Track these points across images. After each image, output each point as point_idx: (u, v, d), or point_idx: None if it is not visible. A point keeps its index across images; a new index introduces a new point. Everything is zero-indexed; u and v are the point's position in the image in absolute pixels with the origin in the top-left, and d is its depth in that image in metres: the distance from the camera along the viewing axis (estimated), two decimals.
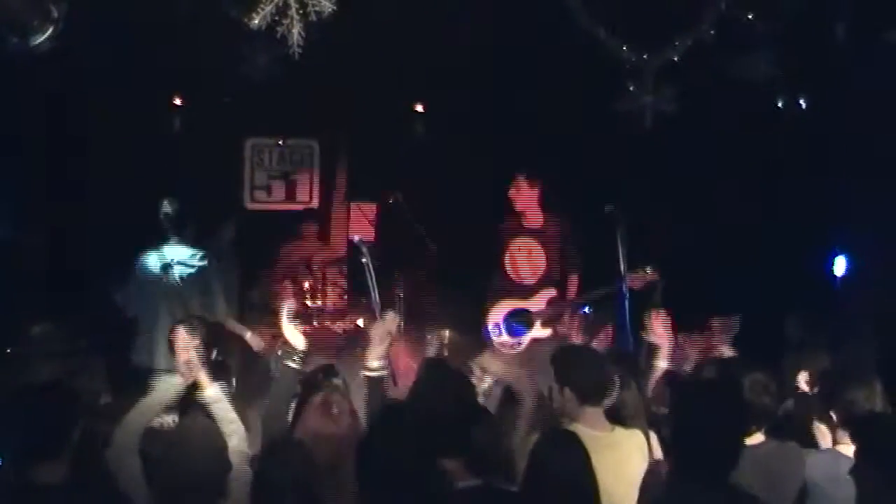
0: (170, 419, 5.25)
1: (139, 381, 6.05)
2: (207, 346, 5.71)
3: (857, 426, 4.58)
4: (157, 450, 4.57)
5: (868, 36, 7.10)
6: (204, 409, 5.25)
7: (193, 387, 5.35)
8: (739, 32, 7.18)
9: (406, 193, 9.01)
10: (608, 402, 5.03)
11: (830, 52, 7.19)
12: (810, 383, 6.15)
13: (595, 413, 4.93)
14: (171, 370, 5.53)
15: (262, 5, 5.75)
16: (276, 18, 5.98)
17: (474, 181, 8.93)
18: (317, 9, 5.70)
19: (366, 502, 3.85)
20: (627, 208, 8.28)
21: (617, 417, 5.11)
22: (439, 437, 4.01)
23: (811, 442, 5.45)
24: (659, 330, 5.71)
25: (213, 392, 5.21)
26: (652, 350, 5.92)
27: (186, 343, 5.51)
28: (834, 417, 5.18)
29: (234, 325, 7.77)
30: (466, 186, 8.99)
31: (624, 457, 4.69)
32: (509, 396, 6.33)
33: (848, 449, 5.02)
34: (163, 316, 7.48)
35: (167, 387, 5.29)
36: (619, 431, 4.94)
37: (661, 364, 5.74)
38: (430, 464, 3.87)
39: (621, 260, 8.06)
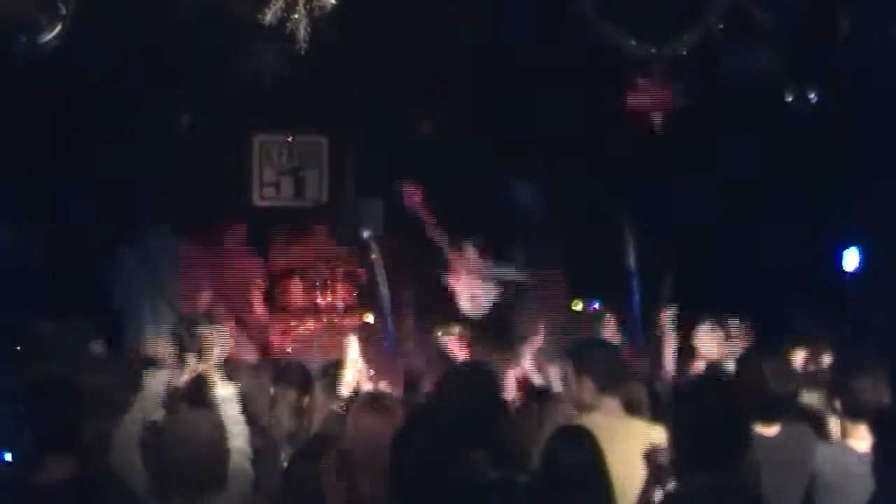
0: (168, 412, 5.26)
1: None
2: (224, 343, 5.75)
3: (872, 422, 4.56)
4: (155, 439, 4.58)
5: (877, 28, 7.07)
6: (210, 405, 5.26)
7: (199, 381, 5.36)
8: (748, 26, 7.17)
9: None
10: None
11: (840, 46, 7.17)
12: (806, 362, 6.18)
13: (612, 403, 4.99)
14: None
15: (272, 1, 5.77)
16: (285, 14, 5.98)
17: (480, 178, 8.93)
18: (320, 4, 5.70)
19: (399, 495, 3.87)
20: (636, 204, 8.29)
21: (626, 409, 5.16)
22: (465, 430, 4.02)
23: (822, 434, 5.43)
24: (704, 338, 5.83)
25: (225, 391, 5.21)
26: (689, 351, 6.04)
27: (217, 340, 5.54)
28: (840, 407, 5.16)
29: None
30: (472, 183, 8.99)
31: (640, 447, 4.67)
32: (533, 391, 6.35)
33: (857, 443, 5.01)
34: (145, 307, 7.59)
35: (159, 383, 5.30)
36: (636, 422, 4.98)
37: (700, 364, 5.83)
38: (463, 455, 3.87)
39: (630, 255, 8.08)
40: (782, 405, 4.98)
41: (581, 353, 5.26)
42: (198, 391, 5.32)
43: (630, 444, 4.61)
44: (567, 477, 4.05)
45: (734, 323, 6.69)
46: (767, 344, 6.08)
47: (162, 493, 4.37)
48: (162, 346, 5.58)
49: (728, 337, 6.68)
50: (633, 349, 7.82)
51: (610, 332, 7.61)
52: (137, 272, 8.08)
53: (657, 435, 4.84)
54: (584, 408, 5.07)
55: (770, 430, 4.94)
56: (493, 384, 4.37)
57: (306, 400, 6.05)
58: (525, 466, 4.58)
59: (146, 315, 8.06)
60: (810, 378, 6.12)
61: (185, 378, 5.43)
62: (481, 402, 4.19)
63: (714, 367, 6.56)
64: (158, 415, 5.12)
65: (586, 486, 4.07)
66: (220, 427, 4.62)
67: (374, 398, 5.06)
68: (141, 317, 8.11)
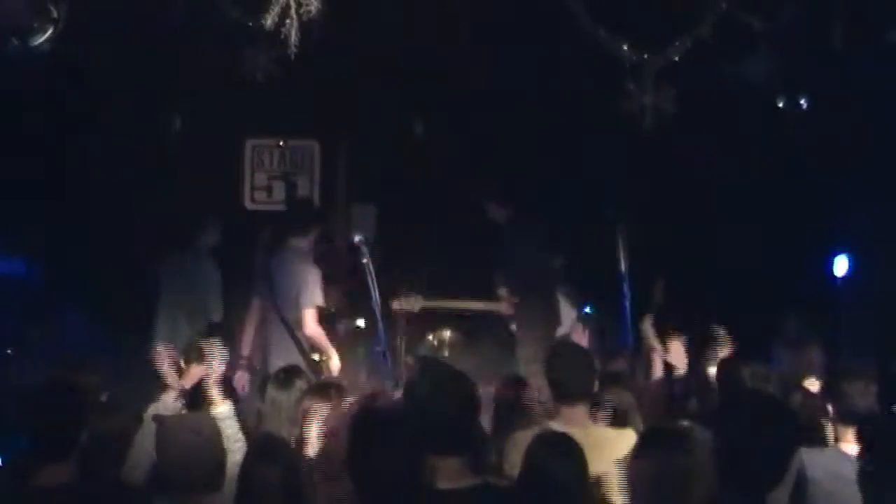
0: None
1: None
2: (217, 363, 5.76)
3: (860, 427, 4.56)
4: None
5: (868, 35, 7.10)
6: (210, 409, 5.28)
7: (196, 396, 5.38)
8: (740, 33, 7.18)
9: (407, 194, 9.04)
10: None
11: (831, 52, 7.18)
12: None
13: (573, 411, 4.96)
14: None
15: (271, 6, 5.79)
16: (277, 19, 5.99)
17: (473, 181, 8.94)
18: (308, 8, 5.72)
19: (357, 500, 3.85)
20: (628, 209, 8.30)
21: (611, 416, 5.15)
22: (438, 435, 4.01)
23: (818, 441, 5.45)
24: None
25: (222, 409, 5.23)
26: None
27: (199, 361, 5.56)
28: (831, 412, 5.19)
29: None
30: (465, 187, 9.00)
31: (600, 456, 4.62)
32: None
33: (850, 447, 5.03)
34: (164, 319, 7.58)
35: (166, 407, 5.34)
36: (601, 431, 4.94)
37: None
38: (416, 462, 3.85)
39: (622, 261, 8.09)
40: None
41: (547, 358, 5.30)
42: (199, 395, 5.35)
43: (589, 452, 4.60)
44: (549, 483, 4.06)
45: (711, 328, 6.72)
46: (757, 349, 6.09)
47: (157, 490, 4.37)
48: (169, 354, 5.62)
49: (703, 342, 6.72)
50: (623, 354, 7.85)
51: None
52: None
53: (622, 442, 4.80)
54: (547, 415, 5.11)
55: None
56: (465, 388, 4.35)
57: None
58: (502, 472, 4.58)
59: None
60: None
61: (188, 383, 5.47)
62: (452, 406, 4.15)
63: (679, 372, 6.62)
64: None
65: (568, 492, 4.08)
66: (217, 429, 4.62)
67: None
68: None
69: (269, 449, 4.44)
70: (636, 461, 3.95)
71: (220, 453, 4.52)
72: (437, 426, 4.02)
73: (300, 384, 5.59)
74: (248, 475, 4.20)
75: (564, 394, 5.03)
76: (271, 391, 5.67)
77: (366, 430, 3.91)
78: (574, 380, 5.05)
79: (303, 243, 8.01)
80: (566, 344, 7.11)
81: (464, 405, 4.17)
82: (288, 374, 5.82)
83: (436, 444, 3.98)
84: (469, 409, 4.22)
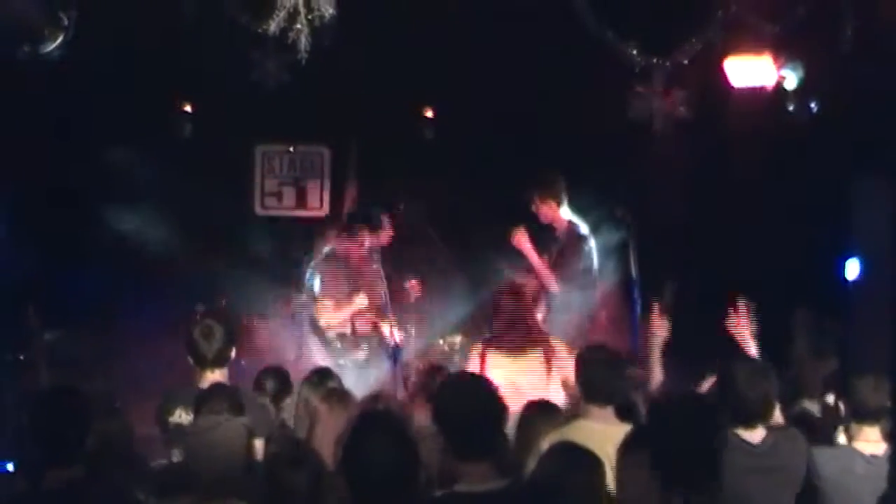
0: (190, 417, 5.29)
1: None
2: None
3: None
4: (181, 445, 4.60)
5: (877, 37, 7.09)
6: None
7: (218, 388, 5.38)
8: (748, 35, 7.19)
9: (416, 198, 9.04)
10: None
11: (842, 55, 7.18)
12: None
13: (602, 413, 5.00)
14: None
15: (277, 11, 5.81)
16: (287, 25, 6.01)
17: (482, 185, 8.94)
18: (319, 14, 5.73)
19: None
20: (637, 211, 8.29)
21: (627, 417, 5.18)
22: (466, 440, 4.02)
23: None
24: None
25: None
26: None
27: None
28: (845, 411, 5.20)
29: None
30: (475, 190, 9.01)
31: None
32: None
33: (863, 446, 5.03)
34: None
35: None
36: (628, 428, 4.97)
37: None
38: (410, 466, 3.84)
39: (632, 262, 8.07)
40: (757, 410, 4.96)
41: (578, 359, 5.39)
42: (219, 398, 5.35)
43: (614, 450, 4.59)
44: (564, 496, 4.07)
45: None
46: (770, 352, 6.07)
47: (184, 494, 4.36)
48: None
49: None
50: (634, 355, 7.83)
51: None
52: None
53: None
54: (576, 414, 5.14)
55: (754, 436, 4.92)
56: (492, 395, 4.36)
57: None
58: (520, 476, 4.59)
59: None
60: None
61: (205, 385, 5.47)
62: (479, 411, 4.16)
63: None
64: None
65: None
66: (245, 434, 4.61)
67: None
68: None
69: (294, 452, 4.43)
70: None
71: (248, 458, 4.52)
72: (465, 431, 4.03)
73: (332, 385, 5.65)
74: (274, 478, 4.20)
75: (596, 394, 5.12)
76: (305, 392, 5.69)
77: (360, 434, 3.91)
78: (607, 381, 5.17)
79: (329, 246, 8.15)
80: (598, 346, 7.13)
81: (490, 410, 4.18)
82: (321, 377, 5.85)
83: (464, 450, 4.00)
84: (495, 414, 4.23)
